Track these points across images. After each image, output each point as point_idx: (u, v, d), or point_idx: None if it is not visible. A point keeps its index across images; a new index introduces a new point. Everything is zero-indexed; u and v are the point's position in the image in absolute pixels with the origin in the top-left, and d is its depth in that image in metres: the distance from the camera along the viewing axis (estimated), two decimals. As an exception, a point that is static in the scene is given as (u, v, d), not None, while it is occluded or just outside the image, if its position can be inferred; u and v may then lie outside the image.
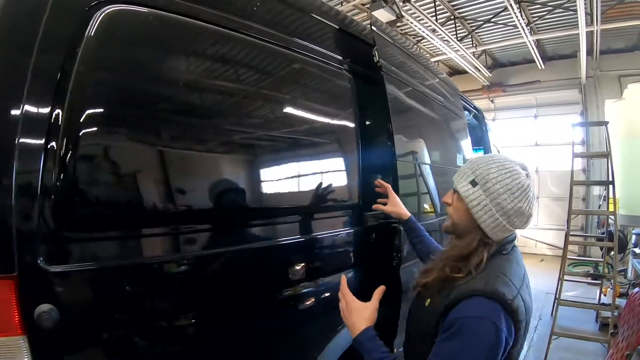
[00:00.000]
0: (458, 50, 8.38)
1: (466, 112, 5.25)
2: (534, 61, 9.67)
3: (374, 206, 2.19)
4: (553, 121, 10.90)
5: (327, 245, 2.12)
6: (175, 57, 1.53)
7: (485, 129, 5.95)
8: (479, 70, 10.10)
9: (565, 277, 5.46)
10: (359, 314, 1.52)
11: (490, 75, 10.83)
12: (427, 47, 9.67)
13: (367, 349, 1.42)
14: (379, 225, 2.40)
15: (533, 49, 8.72)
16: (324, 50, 2.17)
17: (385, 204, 2.18)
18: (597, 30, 7.62)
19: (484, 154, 5.71)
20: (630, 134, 6.56)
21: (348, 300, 1.58)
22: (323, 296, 2.05)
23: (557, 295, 5.21)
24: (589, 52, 8.91)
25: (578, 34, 7.35)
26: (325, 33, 2.26)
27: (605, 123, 5.58)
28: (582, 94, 10.24)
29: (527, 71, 10.78)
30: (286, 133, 1.95)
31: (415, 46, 8.98)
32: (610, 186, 5.30)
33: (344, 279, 1.67)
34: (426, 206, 2.94)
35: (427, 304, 1.40)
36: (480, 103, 10.49)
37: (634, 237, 6.26)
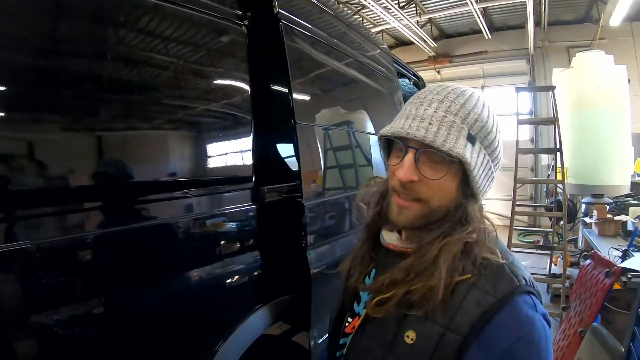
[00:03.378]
0: (401, 19, 8.01)
1: (405, 80, 4.93)
2: (481, 32, 9.46)
3: None
4: (501, 92, 10.71)
5: (215, 226, 1.72)
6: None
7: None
8: (425, 41, 9.83)
9: (515, 248, 5.23)
10: None
11: (436, 45, 10.62)
12: (369, 16, 9.28)
13: None
14: (280, 201, 2.00)
15: (479, 18, 8.47)
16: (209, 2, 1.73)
17: None
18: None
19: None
20: (578, 103, 6.52)
21: None
22: (216, 283, 1.68)
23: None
24: (537, 23, 8.81)
25: (525, 2, 7.11)
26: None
27: (552, 88, 5.39)
28: (529, 65, 10.20)
29: (474, 42, 10.62)
30: (161, 95, 1.53)
31: (357, 15, 8.59)
32: (558, 153, 5.10)
33: None
34: (335, 176, 2.54)
35: (409, 339, 0.87)
36: (427, 74, 10.30)
37: (583, 206, 6.16)
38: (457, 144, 0.87)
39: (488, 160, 0.93)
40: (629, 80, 6.66)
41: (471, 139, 0.89)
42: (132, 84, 1.42)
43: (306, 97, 2.25)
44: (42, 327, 1.09)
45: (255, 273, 1.87)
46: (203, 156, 1.68)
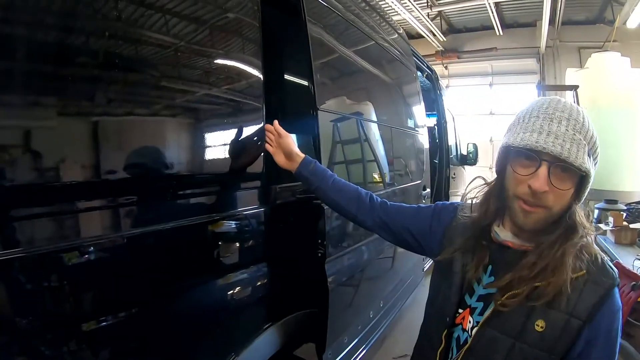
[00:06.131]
0: (412, 10, 7.79)
1: (418, 72, 4.68)
2: (491, 28, 9.43)
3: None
4: (509, 90, 10.66)
5: (217, 233, 1.41)
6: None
7: (440, 92, 5.39)
8: (434, 35, 9.60)
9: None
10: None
11: (445, 40, 10.45)
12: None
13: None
14: (294, 203, 1.72)
15: (492, 12, 8.26)
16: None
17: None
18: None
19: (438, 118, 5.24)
20: (593, 104, 6.26)
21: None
22: (213, 302, 1.39)
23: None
24: (551, 21, 8.67)
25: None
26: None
27: (575, 87, 5.12)
28: (539, 64, 10.10)
29: (483, 38, 10.48)
30: (157, 76, 1.22)
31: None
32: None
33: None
34: (368, 172, 2.29)
35: (539, 327, 1.04)
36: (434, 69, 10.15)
37: (596, 211, 5.94)
38: (584, 160, 1.00)
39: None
40: (644, 85, 6.45)
41: (590, 154, 1.02)
42: (121, 66, 1.12)
43: (330, 81, 1.97)
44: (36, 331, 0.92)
45: (263, 288, 1.58)
46: (199, 149, 1.36)
